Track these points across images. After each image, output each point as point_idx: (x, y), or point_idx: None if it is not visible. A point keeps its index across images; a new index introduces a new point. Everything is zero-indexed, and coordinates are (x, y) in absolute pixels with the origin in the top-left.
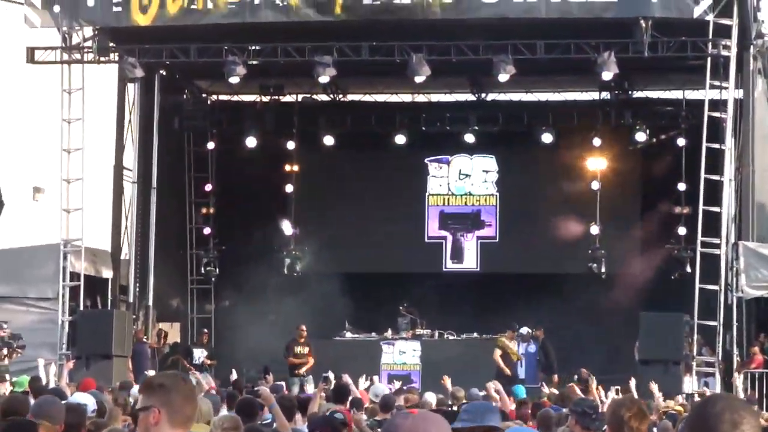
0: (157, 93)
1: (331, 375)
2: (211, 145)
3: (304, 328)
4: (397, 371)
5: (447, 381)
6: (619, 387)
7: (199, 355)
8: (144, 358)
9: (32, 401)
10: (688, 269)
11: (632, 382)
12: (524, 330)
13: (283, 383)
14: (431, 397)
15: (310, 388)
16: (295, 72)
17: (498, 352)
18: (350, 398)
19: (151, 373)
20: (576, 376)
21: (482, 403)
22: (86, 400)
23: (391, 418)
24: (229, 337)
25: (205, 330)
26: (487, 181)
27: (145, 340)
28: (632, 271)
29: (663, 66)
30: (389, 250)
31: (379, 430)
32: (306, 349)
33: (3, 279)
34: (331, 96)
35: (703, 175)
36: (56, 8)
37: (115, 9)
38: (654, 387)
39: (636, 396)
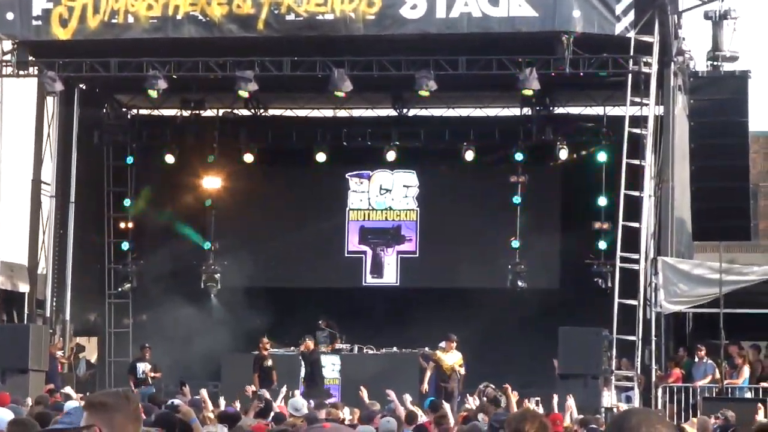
0: (76, 107)
1: (265, 393)
2: (130, 160)
3: (266, 339)
4: None
5: (364, 393)
6: (539, 398)
7: (143, 368)
8: (53, 374)
9: None
10: (608, 284)
11: (554, 399)
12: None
13: (199, 396)
14: (345, 411)
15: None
16: (216, 87)
17: (431, 366)
18: (272, 413)
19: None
20: (484, 395)
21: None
22: (2, 414)
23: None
24: None
25: (147, 345)
26: (407, 196)
27: (57, 355)
28: (552, 286)
29: (584, 82)
30: (309, 265)
31: None
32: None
33: None
34: (252, 111)
35: (623, 190)
36: None
37: (35, 23)
38: (571, 401)
39: (556, 411)
